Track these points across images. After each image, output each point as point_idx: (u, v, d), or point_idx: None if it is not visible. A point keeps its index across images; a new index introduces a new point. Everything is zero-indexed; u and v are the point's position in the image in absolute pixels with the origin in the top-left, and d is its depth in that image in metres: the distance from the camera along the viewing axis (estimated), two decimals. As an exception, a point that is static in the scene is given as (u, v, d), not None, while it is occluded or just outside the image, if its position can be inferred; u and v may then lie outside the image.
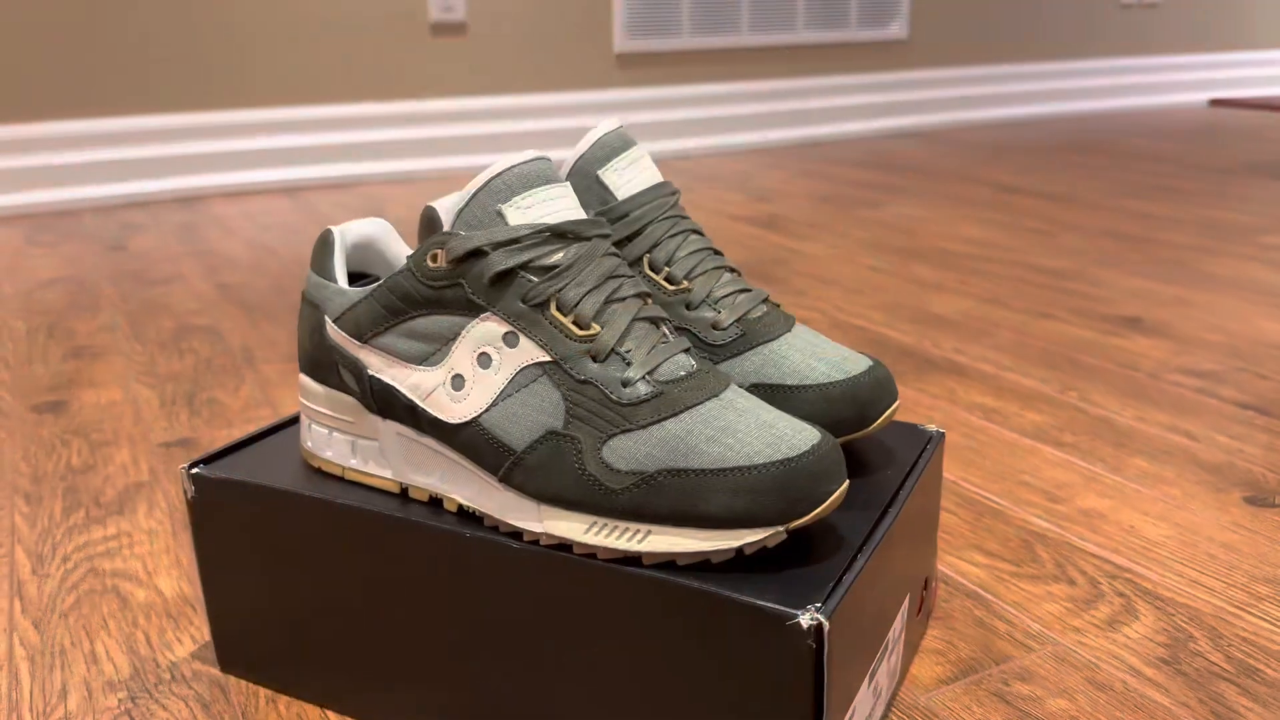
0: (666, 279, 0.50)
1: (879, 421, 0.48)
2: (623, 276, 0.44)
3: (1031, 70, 3.19)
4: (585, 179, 0.50)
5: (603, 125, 0.51)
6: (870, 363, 0.49)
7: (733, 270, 0.52)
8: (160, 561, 0.65)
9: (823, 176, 2.18)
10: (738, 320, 0.49)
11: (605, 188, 0.50)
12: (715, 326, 0.49)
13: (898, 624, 0.48)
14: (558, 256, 0.43)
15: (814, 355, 0.48)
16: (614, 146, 0.51)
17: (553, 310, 0.42)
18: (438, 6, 2.18)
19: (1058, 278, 1.32)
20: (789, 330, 0.50)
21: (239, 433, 0.85)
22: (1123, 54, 3.39)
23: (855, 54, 2.81)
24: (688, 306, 0.49)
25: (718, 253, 0.52)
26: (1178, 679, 0.52)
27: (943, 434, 0.53)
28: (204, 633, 0.57)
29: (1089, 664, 0.53)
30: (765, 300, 0.51)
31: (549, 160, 0.45)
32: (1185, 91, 3.55)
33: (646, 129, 2.50)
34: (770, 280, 1.32)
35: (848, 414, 0.47)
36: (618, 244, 0.50)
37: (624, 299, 0.43)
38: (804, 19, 2.68)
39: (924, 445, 0.52)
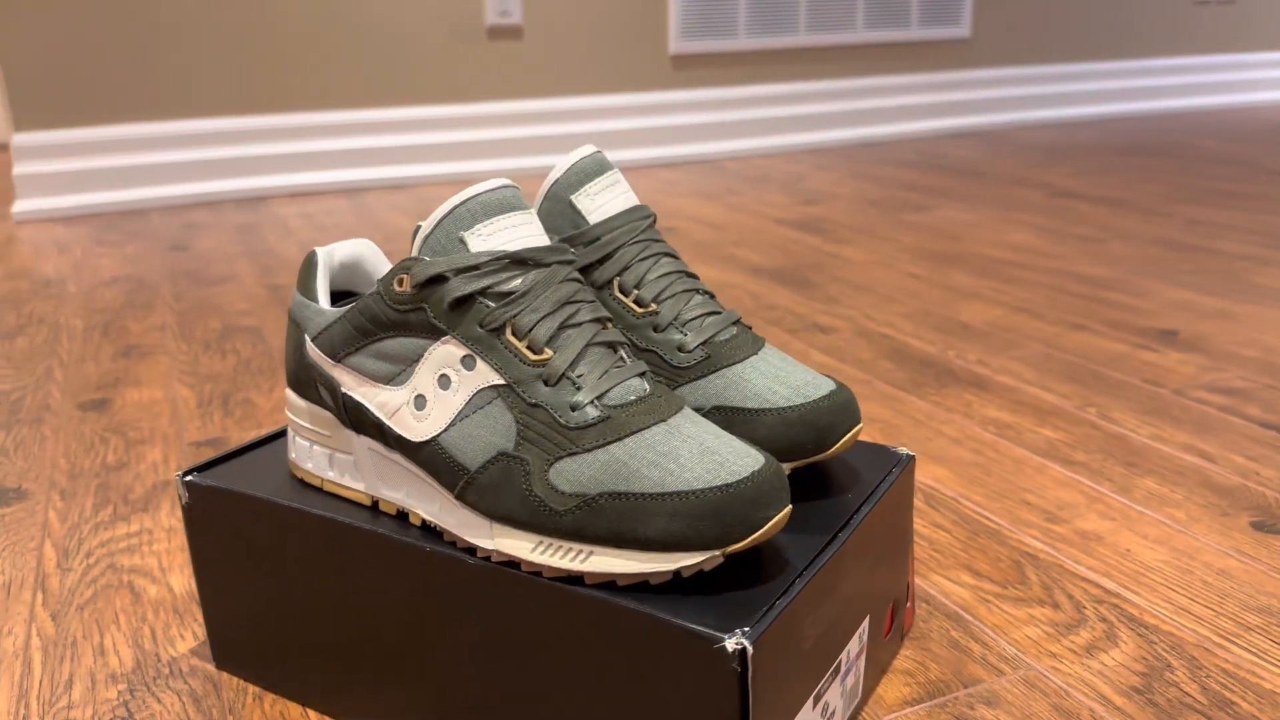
0: (635, 302, 0.51)
1: (838, 445, 0.48)
2: (581, 302, 0.45)
3: (1098, 69, 3.12)
4: (559, 204, 0.52)
5: (578, 150, 0.53)
6: (833, 386, 0.50)
7: (705, 293, 0.53)
8: (175, 559, 0.68)
9: (874, 179, 2.16)
10: (703, 343, 0.50)
11: (578, 212, 0.51)
12: (681, 349, 0.50)
13: (854, 645, 0.48)
14: (515, 283, 0.44)
15: (776, 379, 0.49)
16: (588, 171, 0.52)
17: (508, 335, 0.44)
18: (494, 10, 2.21)
19: (1098, 287, 1.30)
20: (755, 353, 0.51)
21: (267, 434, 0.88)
22: (1197, 52, 3.28)
23: (916, 53, 2.78)
24: (655, 329, 0.50)
25: (691, 275, 0.53)
26: (1148, 709, 0.52)
27: (912, 456, 0.54)
28: (204, 630, 0.60)
29: (1059, 690, 0.53)
30: (736, 322, 0.52)
31: (515, 188, 0.47)
32: (1264, 91, 3.44)
33: (701, 130, 2.51)
34: (804, 285, 1.32)
35: (805, 438, 0.48)
36: (589, 268, 0.51)
37: (579, 324, 0.45)
38: (864, 18, 2.66)
39: (890, 468, 0.52)
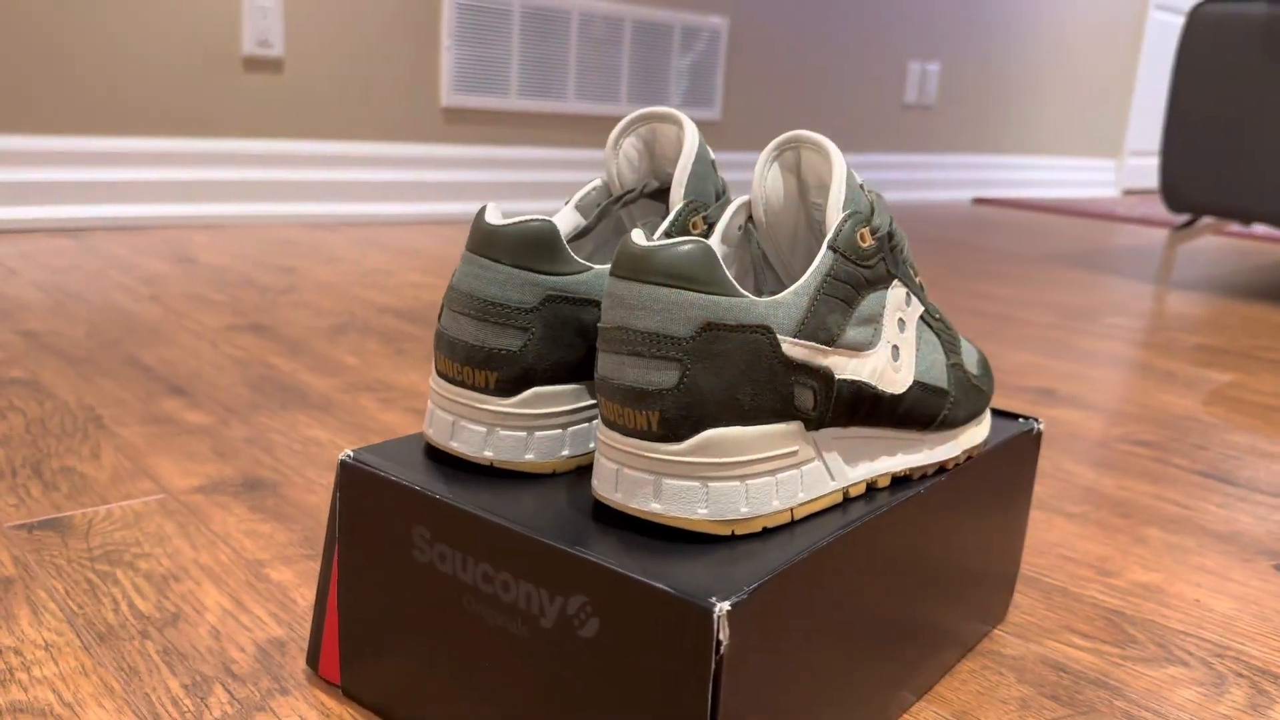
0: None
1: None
2: None
3: None
4: (703, 164, 0.54)
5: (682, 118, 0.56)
6: None
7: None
8: (78, 688, 0.72)
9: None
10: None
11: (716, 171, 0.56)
12: None
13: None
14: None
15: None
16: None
17: (909, 267, 0.51)
18: (251, 40, 2.16)
19: None
20: None
21: (119, 508, 0.76)
22: (902, 150, 3.68)
23: None
24: None
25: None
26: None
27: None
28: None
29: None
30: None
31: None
32: (953, 189, 3.94)
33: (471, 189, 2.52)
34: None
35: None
36: None
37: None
38: (627, 93, 2.75)
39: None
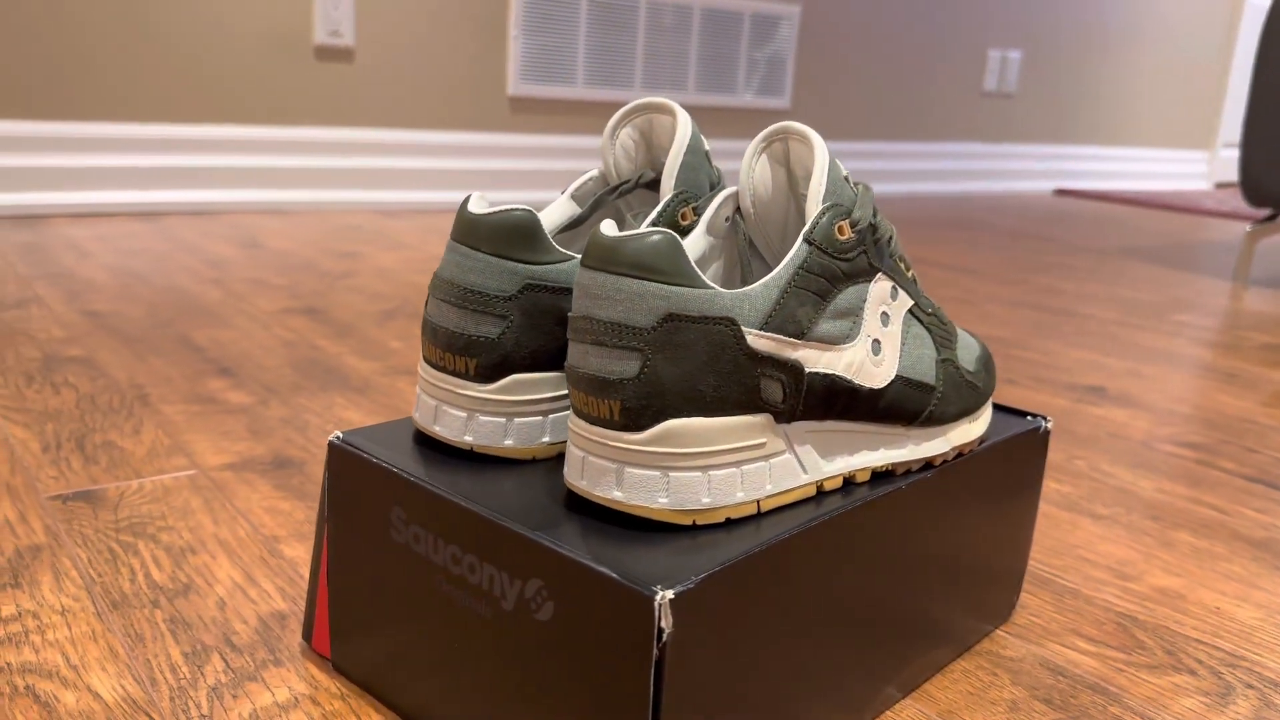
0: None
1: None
2: None
3: (897, 149, 3.33)
4: (697, 156, 0.55)
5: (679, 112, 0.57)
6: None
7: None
8: (86, 652, 0.75)
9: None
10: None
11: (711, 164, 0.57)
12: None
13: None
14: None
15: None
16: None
17: (898, 260, 0.51)
18: (322, 30, 2.19)
19: (1003, 345, 1.32)
20: None
21: (150, 483, 0.78)
22: (981, 140, 3.57)
23: (743, 118, 2.89)
24: None
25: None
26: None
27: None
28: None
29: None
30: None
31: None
32: (1030, 180, 3.79)
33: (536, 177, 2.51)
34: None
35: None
36: None
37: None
38: (695, 82, 2.75)
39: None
